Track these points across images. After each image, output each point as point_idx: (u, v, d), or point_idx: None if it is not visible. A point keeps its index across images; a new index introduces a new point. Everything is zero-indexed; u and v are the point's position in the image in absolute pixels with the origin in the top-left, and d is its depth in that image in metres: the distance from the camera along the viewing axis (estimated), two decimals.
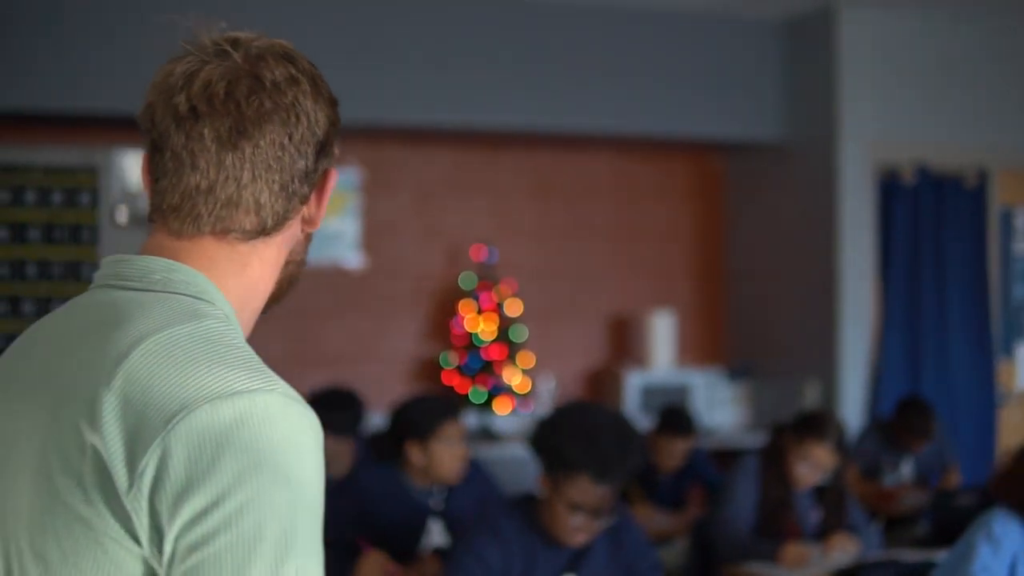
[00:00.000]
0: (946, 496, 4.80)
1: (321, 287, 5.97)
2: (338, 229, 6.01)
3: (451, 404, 3.84)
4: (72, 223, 5.58)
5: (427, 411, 3.71)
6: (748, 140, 6.23)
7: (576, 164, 6.48)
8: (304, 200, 1.19)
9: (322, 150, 1.19)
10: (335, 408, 4.27)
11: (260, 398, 1.02)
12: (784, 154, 6.22)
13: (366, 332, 6.10)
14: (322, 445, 1.06)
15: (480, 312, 5.96)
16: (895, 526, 5.16)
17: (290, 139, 1.15)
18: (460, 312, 5.99)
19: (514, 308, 6.05)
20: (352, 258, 6.07)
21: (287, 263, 1.23)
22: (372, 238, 6.09)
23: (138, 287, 1.13)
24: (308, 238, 1.25)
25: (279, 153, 1.15)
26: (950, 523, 4.28)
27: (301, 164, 1.17)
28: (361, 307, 6.09)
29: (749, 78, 6.12)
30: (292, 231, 1.21)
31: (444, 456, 3.66)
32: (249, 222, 1.16)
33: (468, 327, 5.95)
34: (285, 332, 5.87)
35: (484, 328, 5.94)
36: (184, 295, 1.12)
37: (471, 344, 5.93)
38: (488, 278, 6.03)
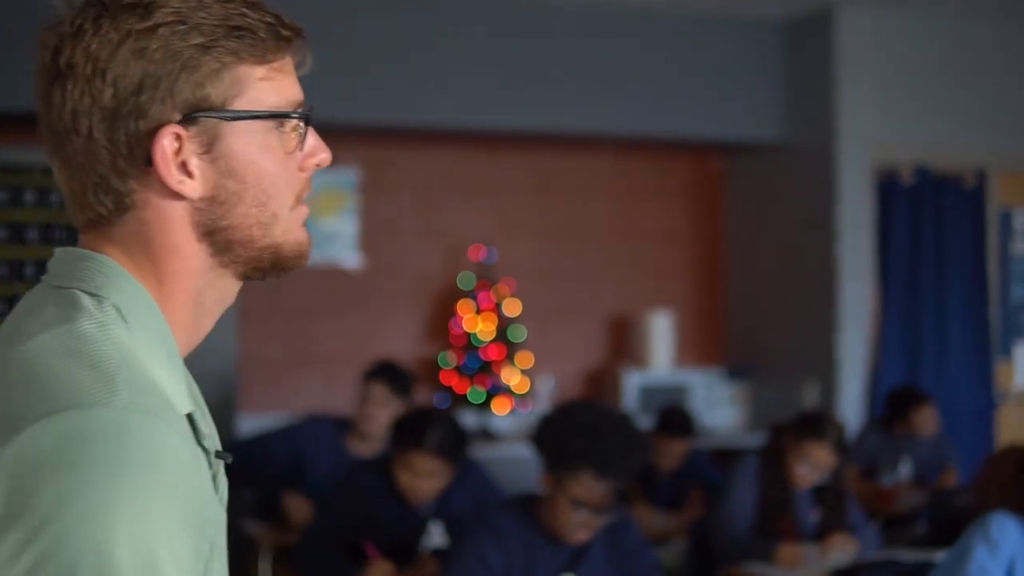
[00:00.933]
0: (944, 496, 4.80)
1: (319, 287, 5.96)
2: (337, 229, 6.01)
3: (420, 433, 3.57)
4: (70, 223, 5.57)
5: (400, 430, 3.68)
6: (747, 140, 6.23)
7: (575, 164, 6.48)
8: (131, 174, 1.03)
9: (127, 109, 1.01)
10: (399, 372, 4.56)
11: (93, 413, 0.91)
12: (783, 155, 6.22)
13: (365, 332, 6.10)
14: (173, 460, 0.93)
15: (479, 312, 5.96)
16: (893, 526, 5.16)
17: (61, 114, 1.02)
18: (459, 312, 5.98)
19: (513, 308, 6.05)
20: (351, 258, 6.07)
21: (209, 233, 1.05)
22: (371, 238, 6.09)
23: (49, 282, 1.07)
24: (216, 202, 1.04)
25: (56, 129, 1.03)
26: (948, 523, 4.28)
27: (76, 138, 1.02)
28: (360, 307, 6.09)
29: (748, 79, 6.12)
30: (161, 208, 1.04)
31: (401, 480, 3.65)
32: (83, 210, 1.08)
33: (467, 327, 5.94)
34: (283, 332, 5.86)
35: (483, 328, 5.94)
36: (76, 290, 1.03)
37: (470, 344, 5.92)
38: (487, 278, 6.02)
